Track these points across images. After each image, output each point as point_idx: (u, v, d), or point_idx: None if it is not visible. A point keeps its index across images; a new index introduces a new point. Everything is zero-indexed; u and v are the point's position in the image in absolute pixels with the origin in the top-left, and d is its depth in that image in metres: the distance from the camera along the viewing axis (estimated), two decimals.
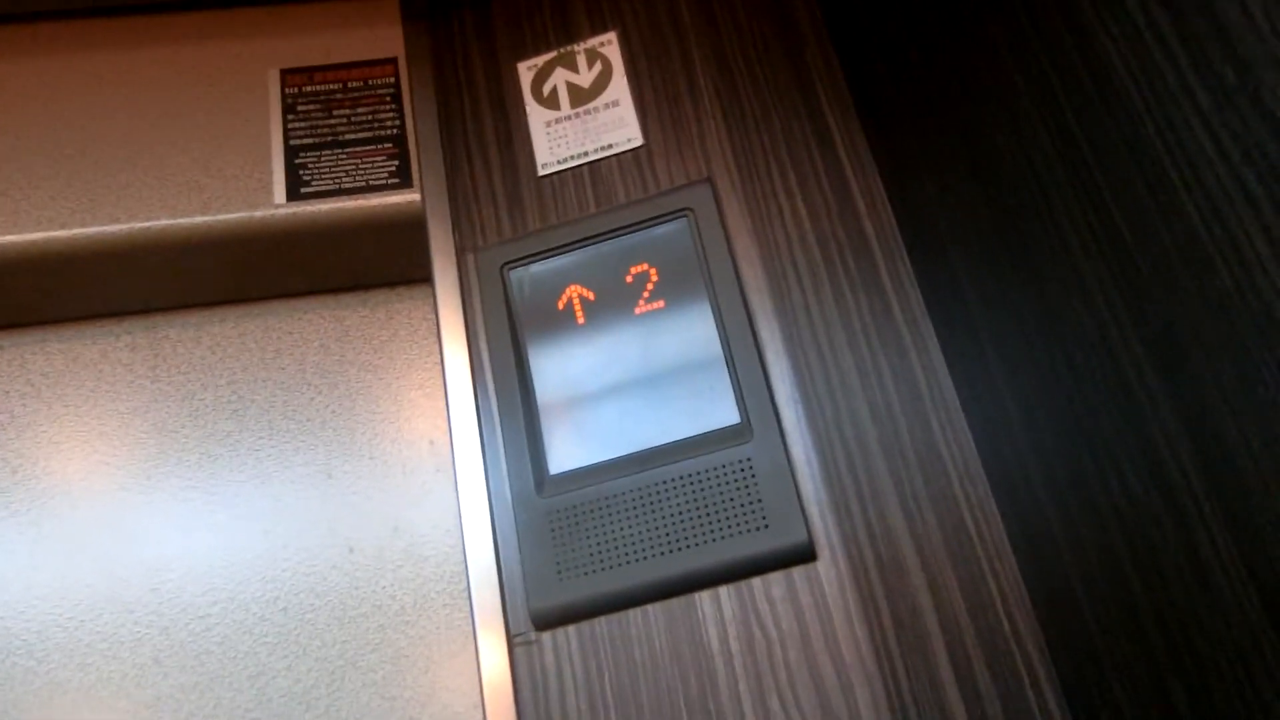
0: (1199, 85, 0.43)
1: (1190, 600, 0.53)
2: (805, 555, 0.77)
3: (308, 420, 0.98)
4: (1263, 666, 0.47)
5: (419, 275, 1.03)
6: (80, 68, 1.00)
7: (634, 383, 0.87)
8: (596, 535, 0.80)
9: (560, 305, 0.90)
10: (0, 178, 0.92)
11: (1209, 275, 0.45)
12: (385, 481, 0.96)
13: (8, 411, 0.96)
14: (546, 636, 0.79)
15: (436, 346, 1.04)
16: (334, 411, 0.99)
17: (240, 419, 0.98)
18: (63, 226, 0.91)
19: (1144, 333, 0.52)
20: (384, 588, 0.92)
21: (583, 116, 0.97)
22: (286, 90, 1.01)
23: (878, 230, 0.89)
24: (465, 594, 0.92)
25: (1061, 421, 0.64)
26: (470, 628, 0.92)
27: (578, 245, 0.91)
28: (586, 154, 0.95)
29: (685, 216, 0.90)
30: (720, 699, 0.75)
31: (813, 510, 0.79)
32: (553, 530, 0.81)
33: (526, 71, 1.01)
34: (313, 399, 0.99)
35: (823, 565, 0.77)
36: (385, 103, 1.01)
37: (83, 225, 0.91)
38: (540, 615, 0.79)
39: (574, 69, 0.99)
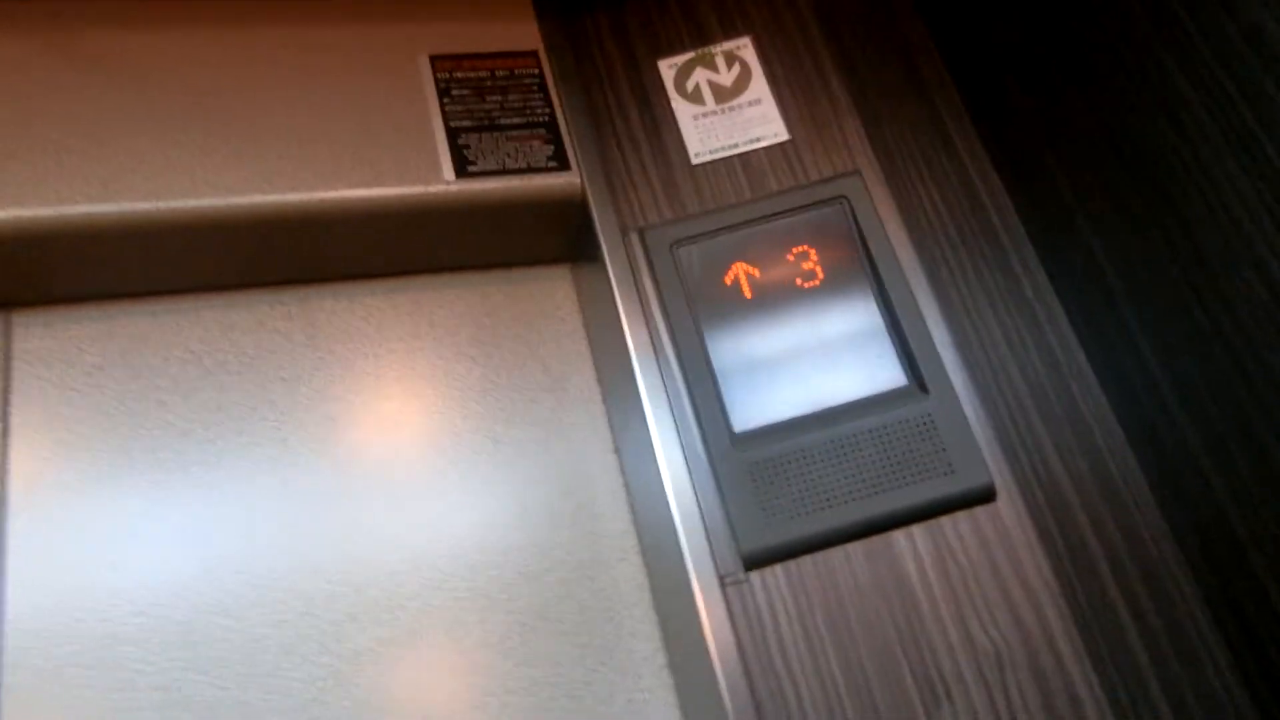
0: None
1: None
2: (988, 496, 0.88)
3: (470, 389, 1.02)
4: None
5: (571, 254, 1.09)
6: (238, 41, 1.01)
7: (801, 350, 0.96)
8: (796, 483, 0.89)
9: (728, 281, 0.99)
10: (178, 143, 0.93)
11: None
12: (548, 446, 1.01)
13: (169, 376, 0.96)
14: (755, 576, 0.87)
15: (580, 321, 1.10)
16: (492, 382, 1.03)
17: (406, 384, 1.01)
18: (240, 194, 0.92)
19: None
20: (560, 544, 0.97)
21: (728, 112, 1.06)
22: (438, 75, 1.06)
23: (1003, 221, 1.02)
24: (636, 549, 0.99)
25: (1197, 382, 0.77)
26: (644, 579, 0.99)
27: (742, 226, 1.00)
28: (736, 145, 1.04)
29: (841, 203, 1.00)
30: (925, 623, 0.85)
31: (988, 458, 0.89)
32: (753, 480, 0.89)
33: (668, 69, 1.09)
34: (470, 369, 1.03)
35: (1002, 504, 0.88)
36: (533, 91, 1.07)
37: (262, 194, 0.93)
38: (751, 556, 0.87)
39: (714, 69, 1.08)
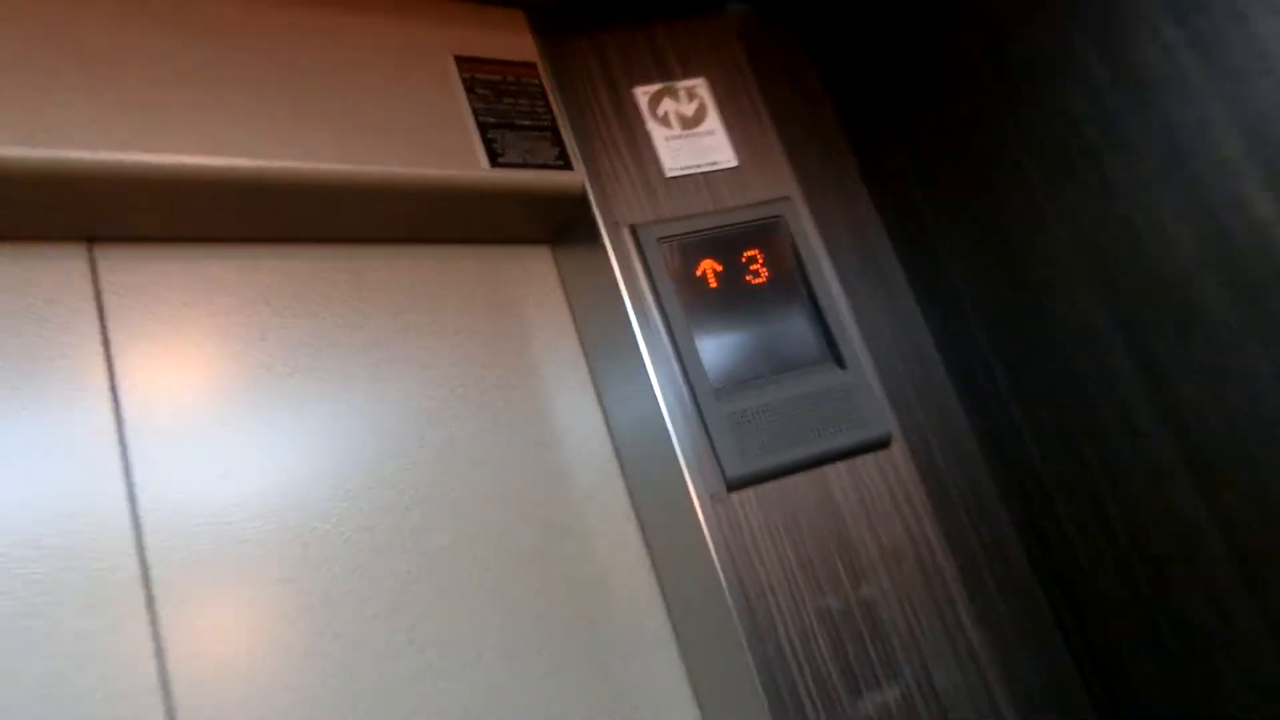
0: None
1: (1123, 451, 1.09)
2: (886, 443, 1.24)
3: (492, 335, 1.22)
4: (1172, 487, 1.04)
5: (557, 238, 1.32)
6: (310, 22, 1.14)
7: (753, 330, 1.27)
8: (759, 429, 1.19)
9: (698, 273, 1.27)
10: (268, 108, 1.05)
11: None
12: (543, 393, 1.24)
13: (245, 314, 1.08)
14: (735, 496, 1.17)
15: (562, 293, 1.33)
16: (507, 335, 1.24)
17: (439, 336, 1.19)
18: (310, 159, 1.07)
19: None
20: (557, 471, 1.21)
21: (691, 138, 1.34)
22: (463, 74, 1.24)
23: (878, 240, 1.39)
24: (618, 484, 1.24)
25: (1018, 340, 1.18)
26: (623, 504, 1.24)
27: (708, 231, 1.28)
28: (700, 166, 1.33)
29: (779, 220, 1.32)
30: (848, 529, 1.19)
31: (885, 416, 1.25)
32: (730, 425, 1.19)
33: (642, 95, 1.35)
34: (495, 327, 1.23)
35: (895, 449, 1.25)
36: (537, 98, 1.28)
37: (330, 161, 1.08)
38: (731, 482, 1.16)
39: (677, 99, 1.36)
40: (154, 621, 0.92)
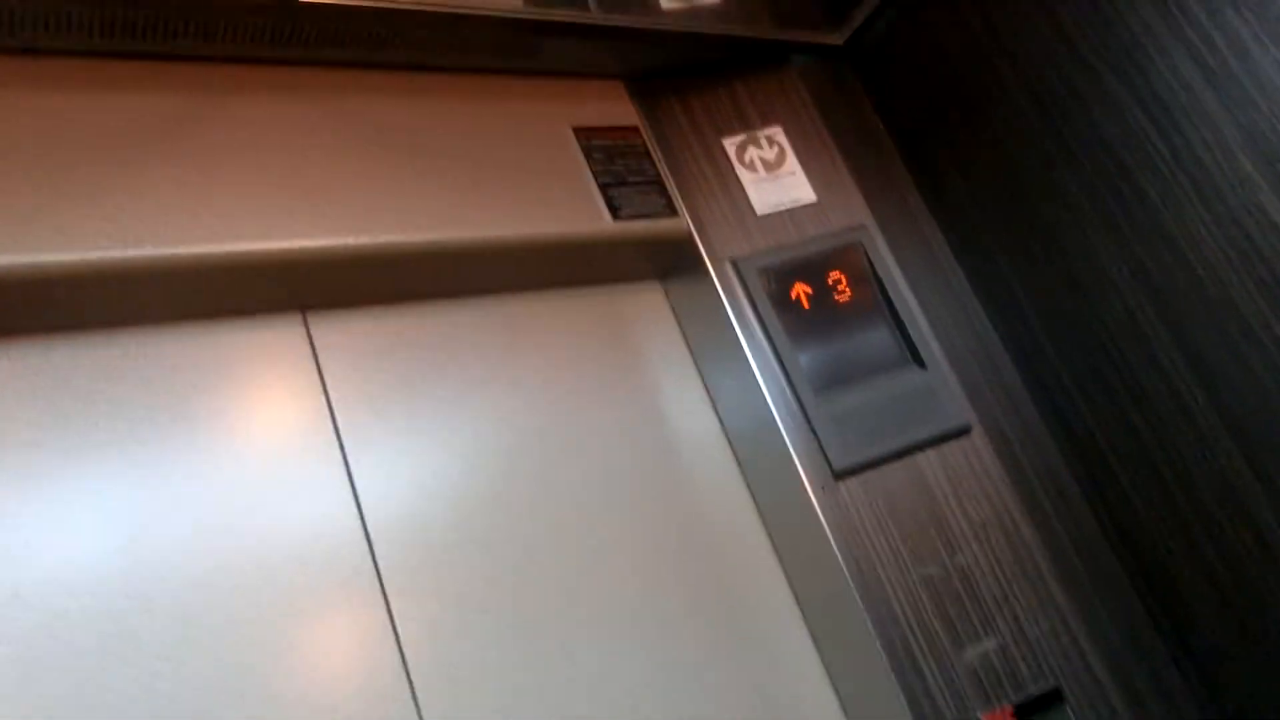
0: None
1: (1170, 422, 1.28)
2: (966, 430, 1.44)
3: (620, 360, 1.44)
4: (1215, 448, 1.23)
5: (668, 275, 1.53)
6: (440, 110, 1.37)
7: (843, 340, 1.47)
8: (858, 424, 1.40)
9: (793, 295, 1.48)
10: (420, 193, 1.28)
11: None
12: (664, 406, 1.46)
13: (423, 361, 1.30)
14: (841, 484, 1.37)
15: (675, 321, 1.54)
16: (634, 359, 1.46)
17: (579, 365, 1.41)
18: (469, 229, 1.29)
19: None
20: (681, 475, 1.42)
21: (775, 180, 1.55)
22: (580, 141, 1.46)
23: (943, 254, 1.59)
24: (738, 482, 1.45)
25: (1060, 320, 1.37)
26: (745, 500, 1.45)
27: (798, 260, 1.49)
28: (783, 203, 1.54)
29: (858, 245, 1.52)
30: (940, 508, 1.39)
31: (963, 407, 1.45)
32: (834, 421, 1.39)
33: (730, 145, 1.56)
34: (620, 356, 1.45)
35: (975, 435, 1.44)
36: (643, 155, 1.50)
37: (486, 230, 1.30)
38: (838, 472, 1.37)
39: (759, 146, 1.57)
40: (389, 611, 1.14)
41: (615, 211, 1.42)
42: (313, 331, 1.25)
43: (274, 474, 1.15)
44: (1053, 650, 1.34)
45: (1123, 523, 1.43)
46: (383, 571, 1.15)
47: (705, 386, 1.51)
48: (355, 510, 1.17)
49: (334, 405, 1.22)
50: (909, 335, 1.47)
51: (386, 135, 1.29)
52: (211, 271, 1.10)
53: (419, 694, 1.11)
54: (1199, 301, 1.24)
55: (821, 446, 1.37)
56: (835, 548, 1.30)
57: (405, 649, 1.13)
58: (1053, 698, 1.31)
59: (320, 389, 1.22)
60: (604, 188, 1.43)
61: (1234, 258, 1.18)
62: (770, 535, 1.43)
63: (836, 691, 1.35)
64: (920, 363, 1.46)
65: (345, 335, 1.27)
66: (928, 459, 1.41)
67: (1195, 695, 1.38)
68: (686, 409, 1.49)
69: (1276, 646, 1.26)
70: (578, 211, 1.38)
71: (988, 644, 1.32)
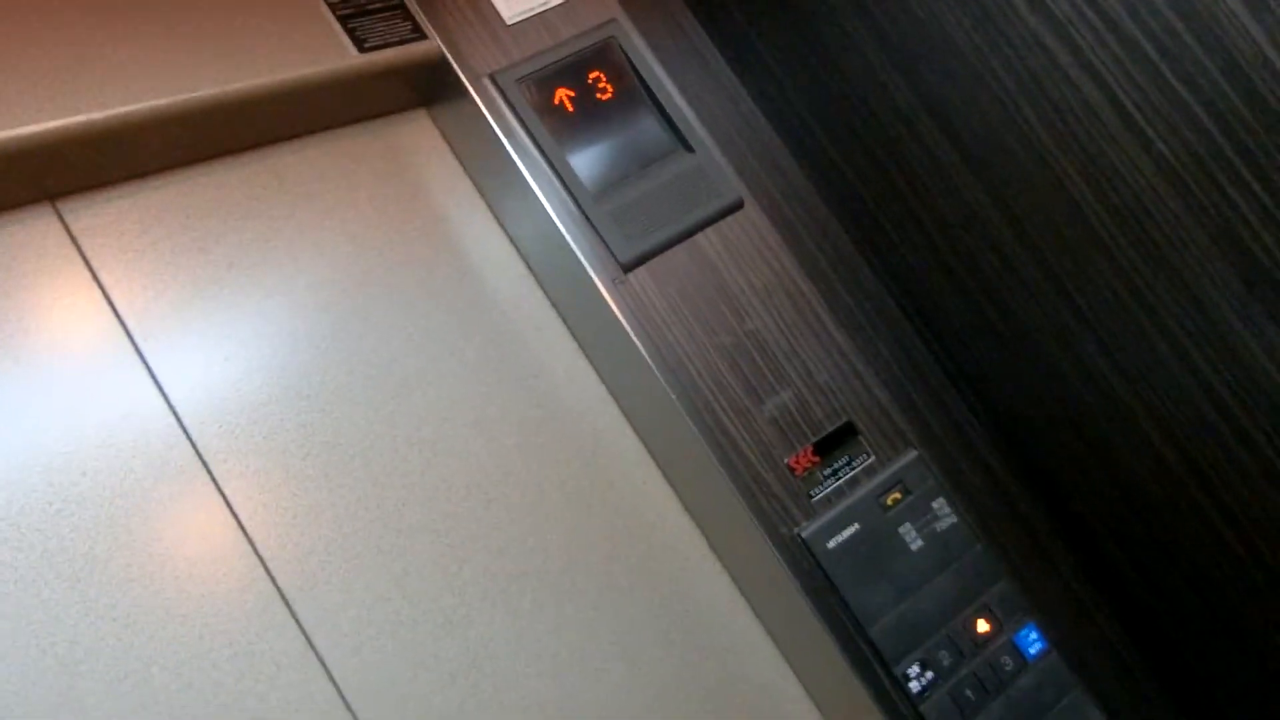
0: None
1: (918, 165, 1.38)
2: (740, 206, 1.51)
3: (400, 193, 1.44)
4: (959, 181, 1.34)
5: (429, 100, 1.52)
6: None
7: (611, 138, 1.51)
8: (636, 216, 1.45)
9: (555, 102, 1.49)
10: (132, 56, 1.22)
11: None
12: (454, 233, 1.48)
13: (196, 229, 1.27)
14: (631, 276, 1.43)
15: (448, 146, 1.54)
16: (415, 190, 1.46)
17: (356, 206, 1.40)
18: (209, 85, 1.25)
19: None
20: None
21: None
22: None
23: (698, 36, 1.62)
24: (537, 291, 1.50)
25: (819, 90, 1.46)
26: (545, 305, 1.51)
27: (555, 64, 1.50)
28: (532, 8, 1.52)
29: (612, 40, 1.53)
30: (726, 281, 1.47)
31: (734, 183, 1.52)
32: (613, 218, 1.44)
33: None
34: (401, 187, 1.45)
35: (749, 209, 1.52)
36: None
37: (226, 83, 1.26)
38: (625, 264, 1.43)
39: None
40: (221, 492, 1.17)
41: (360, 44, 1.38)
42: (67, 219, 1.20)
43: (68, 382, 1.13)
44: (842, 390, 1.48)
45: (893, 266, 1.55)
46: (208, 460, 1.16)
47: (490, 207, 1.53)
48: (164, 402, 1.17)
49: (108, 291, 1.19)
50: (674, 122, 1.52)
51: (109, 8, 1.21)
52: None
53: (275, 574, 1.15)
54: (926, 44, 1.32)
55: (606, 243, 1.42)
56: (634, 337, 1.38)
57: (251, 534, 1.16)
58: (846, 431, 1.45)
59: (91, 278, 1.19)
60: (344, 20, 1.39)
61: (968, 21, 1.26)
62: (576, 339, 1.50)
63: (656, 462, 1.47)
64: (689, 147, 1.52)
65: (104, 218, 1.22)
66: (708, 238, 1.49)
67: (969, 403, 1.56)
68: (477, 235, 1.51)
69: (1023, 347, 1.43)
70: (321, 50, 1.34)
71: (784, 395, 1.44)
